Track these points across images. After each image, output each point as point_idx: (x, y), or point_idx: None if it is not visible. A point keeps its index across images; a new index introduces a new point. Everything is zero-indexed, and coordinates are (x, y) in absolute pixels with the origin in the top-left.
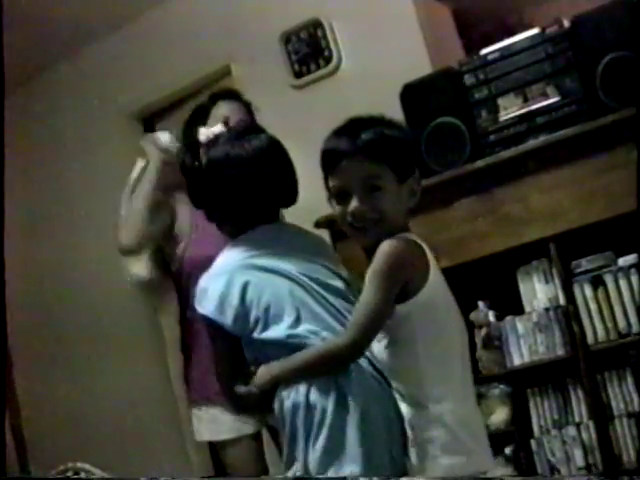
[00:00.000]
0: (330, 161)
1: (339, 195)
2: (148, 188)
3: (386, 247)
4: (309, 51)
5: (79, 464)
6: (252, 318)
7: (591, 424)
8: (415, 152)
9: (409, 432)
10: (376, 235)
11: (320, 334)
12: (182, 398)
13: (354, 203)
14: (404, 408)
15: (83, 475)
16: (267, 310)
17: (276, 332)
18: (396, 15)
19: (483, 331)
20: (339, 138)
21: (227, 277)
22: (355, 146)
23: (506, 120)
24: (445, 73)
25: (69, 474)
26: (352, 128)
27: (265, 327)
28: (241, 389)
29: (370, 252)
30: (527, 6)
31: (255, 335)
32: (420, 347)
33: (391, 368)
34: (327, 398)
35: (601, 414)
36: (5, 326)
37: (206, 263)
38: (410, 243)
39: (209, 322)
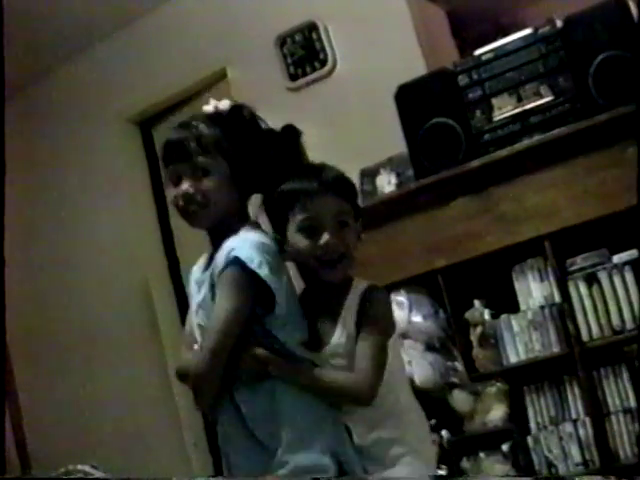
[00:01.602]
0: (298, 198)
1: (309, 229)
2: None
3: (382, 296)
4: (304, 54)
5: (79, 466)
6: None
7: (587, 420)
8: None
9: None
10: (343, 270)
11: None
12: (181, 399)
13: (326, 237)
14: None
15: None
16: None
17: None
18: (390, 17)
19: (479, 329)
20: (305, 178)
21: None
22: (326, 184)
23: (500, 120)
24: (439, 74)
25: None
26: (312, 170)
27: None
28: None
29: (331, 286)
30: (520, 6)
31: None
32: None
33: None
34: None
35: (597, 410)
36: (4, 327)
37: None
38: None
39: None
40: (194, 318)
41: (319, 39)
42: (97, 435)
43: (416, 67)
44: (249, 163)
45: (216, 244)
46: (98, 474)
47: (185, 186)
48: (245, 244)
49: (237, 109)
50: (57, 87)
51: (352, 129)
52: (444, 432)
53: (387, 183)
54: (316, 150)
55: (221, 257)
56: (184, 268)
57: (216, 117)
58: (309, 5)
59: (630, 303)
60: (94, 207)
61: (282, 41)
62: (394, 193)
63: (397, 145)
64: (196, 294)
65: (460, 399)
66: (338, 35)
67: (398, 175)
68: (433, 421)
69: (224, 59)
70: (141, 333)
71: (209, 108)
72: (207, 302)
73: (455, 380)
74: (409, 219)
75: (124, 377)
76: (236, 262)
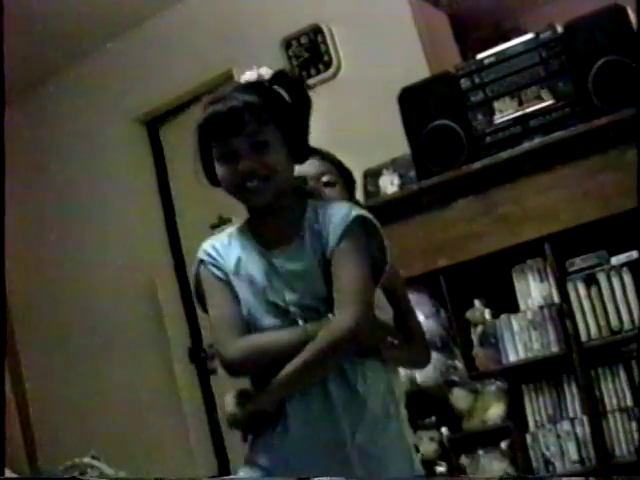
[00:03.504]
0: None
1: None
2: None
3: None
4: (309, 56)
5: (86, 460)
6: None
7: (585, 419)
8: None
9: None
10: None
11: None
12: (186, 396)
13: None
14: None
15: (89, 471)
16: None
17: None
18: (394, 21)
19: (479, 329)
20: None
21: None
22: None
23: (501, 123)
24: (442, 77)
25: (76, 472)
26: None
27: None
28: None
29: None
30: (521, 12)
31: None
32: None
33: None
34: None
35: (594, 409)
36: (5, 327)
37: None
38: None
39: None
40: (263, 297)
41: (324, 42)
42: (103, 431)
43: (419, 70)
44: (301, 130)
45: (273, 217)
46: (98, 464)
47: (246, 162)
48: (354, 207)
49: (283, 74)
50: (65, 87)
51: (356, 130)
52: (444, 429)
53: (390, 184)
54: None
55: (335, 219)
56: (190, 268)
57: (260, 85)
58: (314, 9)
59: (628, 304)
60: (101, 206)
61: (287, 43)
62: (397, 194)
63: (400, 147)
64: (258, 270)
65: (460, 397)
66: (343, 38)
67: (401, 176)
68: (433, 418)
69: (230, 60)
70: (147, 332)
71: (251, 76)
72: (312, 272)
73: (455, 378)
74: (411, 220)
75: (130, 375)
76: (360, 221)
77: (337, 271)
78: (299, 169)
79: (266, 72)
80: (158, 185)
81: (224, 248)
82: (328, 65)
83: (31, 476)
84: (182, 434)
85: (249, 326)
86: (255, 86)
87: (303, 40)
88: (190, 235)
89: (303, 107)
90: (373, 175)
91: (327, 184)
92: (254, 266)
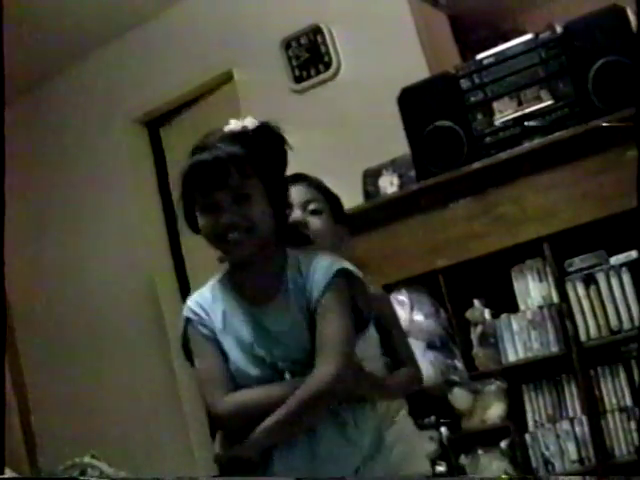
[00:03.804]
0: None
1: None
2: None
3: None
4: (309, 56)
5: (86, 459)
6: None
7: (584, 418)
8: None
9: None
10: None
11: None
12: (186, 396)
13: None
14: None
15: (89, 470)
16: None
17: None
18: (394, 21)
19: (479, 328)
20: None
21: None
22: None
23: (501, 123)
24: (442, 77)
25: (76, 471)
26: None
27: None
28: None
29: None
30: (521, 12)
31: None
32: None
33: None
34: None
35: (594, 409)
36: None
37: None
38: None
39: None
40: (250, 351)
41: (324, 42)
42: (103, 431)
43: (419, 71)
44: (281, 182)
45: (254, 270)
46: (98, 464)
47: (228, 215)
48: (337, 260)
49: (266, 127)
50: (65, 88)
51: (356, 131)
52: (443, 429)
53: (389, 184)
54: (320, 151)
55: (318, 272)
56: (190, 268)
57: (243, 135)
58: (314, 9)
59: (627, 304)
60: (101, 207)
61: (287, 44)
62: (396, 194)
63: (400, 147)
64: (245, 326)
65: (459, 397)
66: (342, 39)
67: (400, 176)
68: (432, 418)
69: (230, 61)
70: (147, 332)
71: (235, 127)
72: (297, 327)
73: (455, 378)
74: (411, 220)
75: (130, 375)
76: (342, 274)
77: (319, 324)
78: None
79: (251, 123)
80: (158, 185)
81: (209, 304)
82: (328, 65)
83: (31, 476)
84: (182, 434)
85: (237, 379)
86: (239, 137)
87: (303, 40)
88: (190, 235)
89: (281, 161)
90: (373, 175)
91: (313, 212)
92: (239, 321)
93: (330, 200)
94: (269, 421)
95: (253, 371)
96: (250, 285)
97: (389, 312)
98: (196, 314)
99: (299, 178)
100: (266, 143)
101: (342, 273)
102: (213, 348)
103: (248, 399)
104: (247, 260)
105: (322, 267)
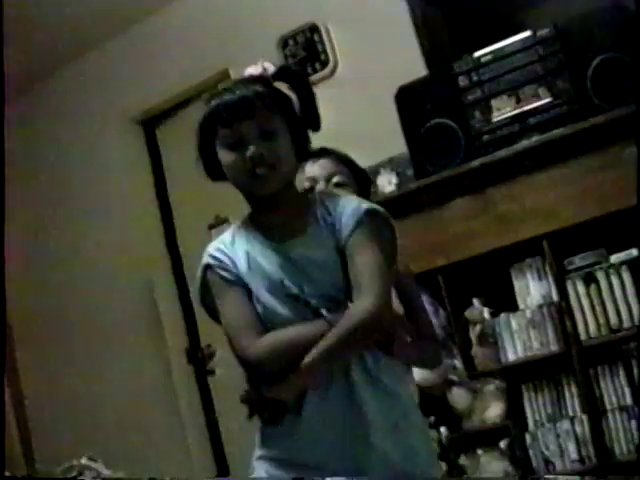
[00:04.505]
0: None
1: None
2: None
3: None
4: (306, 55)
5: (83, 461)
6: None
7: (584, 418)
8: None
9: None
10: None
11: None
12: (184, 397)
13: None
14: None
15: (87, 472)
16: None
17: None
18: (391, 19)
19: (478, 328)
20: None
21: None
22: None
23: (499, 121)
24: (439, 75)
25: (74, 473)
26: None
27: None
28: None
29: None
30: (519, 9)
31: None
32: None
33: None
34: None
35: (594, 408)
36: (5, 326)
37: None
38: None
39: None
40: (281, 290)
41: (320, 41)
42: (100, 432)
43: (416, 69)
44: (303, 126)
45: (281, 206)
46: (95, 466)
47: (254, 148)
48: (364, 201)
49: (287, 69)
50: (61, 87)
51: (353, 129)
52: (443, 429)
53: (388, 183)
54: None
55: (347, 211)
56: (187, 268)
57: (264, 79)
58: (311, 7)
59: (627, 302)
60: (97, 206)
61: (284, 42)
62: (394, 193)
63: (397, 145)
64: (273, 263)
65: (459, 396)
66: (339, 37)
67: (398, 175)
68: (432, 418)
69: (227, 60)
70: (145, 333)
71: (256, 70)
72: (330, 261)
73: (454, 378)
74: (409, 219)
75: (128, 376)
76: (372, 213)
77: (353, 260)
78: (309, 170)
79: (269, 66)
80: (155, 185)
81: (229, 248)
82: (325, 64)
83: (28, 478)
84: (180, 435)
85: (266, 322)
86: (260, 79)
87: (300, 39)
88: (187, 235)
89: (307, 101)
90: (371, 174)
91: (337, 185)
92: (265, 260)
93: (356, 174)
94: (308, 359)
95: (284, 311)
96: (275, 223)
97: (411, 282)
98: (216, 259)
99: (324, 152)
100: (285, 85)
101: (372, 213)
102: (237, 292)
103: (283, 339)
104: (273, 197)
105: (350, 207)
